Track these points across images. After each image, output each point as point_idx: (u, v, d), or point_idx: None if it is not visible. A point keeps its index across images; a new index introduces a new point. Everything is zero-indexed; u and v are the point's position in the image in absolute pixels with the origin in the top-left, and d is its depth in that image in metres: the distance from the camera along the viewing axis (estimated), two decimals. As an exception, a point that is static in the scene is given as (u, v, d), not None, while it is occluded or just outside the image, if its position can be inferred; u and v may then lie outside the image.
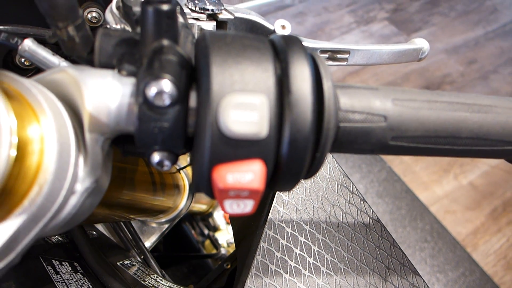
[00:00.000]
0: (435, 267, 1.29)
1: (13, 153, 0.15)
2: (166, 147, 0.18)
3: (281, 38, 0.18)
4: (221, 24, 0.29)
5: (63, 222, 0.18)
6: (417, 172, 1.50)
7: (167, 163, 0.18)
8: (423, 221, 1.37)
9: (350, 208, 0.35)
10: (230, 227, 0.87)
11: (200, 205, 0.68)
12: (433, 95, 0.21)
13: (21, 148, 0.15)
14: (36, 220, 0.16)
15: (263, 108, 0.16)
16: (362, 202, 0.36)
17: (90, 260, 0.34)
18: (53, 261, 0.31)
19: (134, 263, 0.40)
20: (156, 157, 0.18)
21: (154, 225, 0.51)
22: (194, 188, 0.18)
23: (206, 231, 0.86)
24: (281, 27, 0.29)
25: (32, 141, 0.16)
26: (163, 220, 0.50)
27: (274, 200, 0.33)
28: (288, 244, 0.31)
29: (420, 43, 0.35)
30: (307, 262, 0.31)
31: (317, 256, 0.31)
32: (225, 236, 0.87)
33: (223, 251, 0.80)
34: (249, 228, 0.34)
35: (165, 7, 0.17)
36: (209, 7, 0.28)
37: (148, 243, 0.50)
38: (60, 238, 0.36)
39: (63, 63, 0.24)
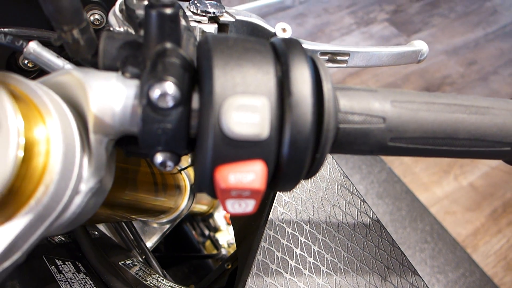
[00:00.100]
0: (435, 268, 1.29)
1: (21, 154, 0.15)
2: (169, 148, 0.18)
3: (281, 41, 0.19)
4: (222, 27, 0.30)
5: (68, 221, 0.19)
6: (417, 173, 1.50)
7: (170, 163, 0.19)
8: (423, 222, 1.38)
9: (350, 209, 0.35)
10: (230, 227, 0.88)
11: (201, 206, 0.68)
12: (431, 97, 0.21)
13: (28, 149, 0.16)
14: (42, 219, 0.17)
15: (264, 110, 0.16)
16: (361, 202, 0.36)
17: (92, 260, 0.34)
18: (56, 260, 0.31)
19: (136, 263, 0.40)
20: (159, 157, 0.18)
21: (155, 225, 0.51)
22: (196, 188, 0.19)
23: (206, 232, 0.86)
24: (282, 30, 0.29)
25: (39, 142, 0.16)
26: (165, 220, 0.51)
27: (275, 201, 0.33)
28: (289, 244, 0.31)
29: (419, 45, 0.35)
30: (307, 261, 0.31)
31: (317, 256, 0.32)
32: (226, 236, 0.87)
33: (223, 251, 0.80)
34: (250, 228, 0.34)
35: (168, 10, 0.17)
36: (211, 10, 0.28)
37: (150, 243, 0.50)
38: (63, 238, 0.36)
39: (67, 65, 0.25)
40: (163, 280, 0.40)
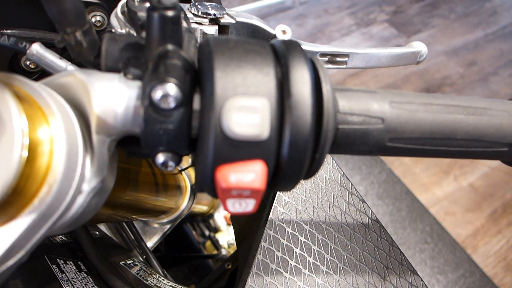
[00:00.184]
0: (435, 268, 1.29)
1: (25, 154, 0.15)
2: (171, 148, 0.18)
3: (281, 43, 0.19)
4: (223, 28, 0.30)
5: (70, 220, 0.19)
6: (417, 173, 1.50)
7: (171, 163, 0.19)
8: (423, 223, 1.38)
9: (349, 209, 0.36)
10: (230, 228, 0.88)
11: (201, 206, 0.69)
12: (429, 98, 0.21)
13: (32, 149, 0.16)
14: (45, 218, 0.17)
15: (265, 110, 0.16)
16: (361, 202, 0.37)
17: (93, 260, 0.34)
18: (58, 260, 0.31)
19: (137, 263, 0.41)
20: (160, 158, 0.19)
21: (156, 225, 0.52)
22: (197, 188, 0.19)
23: (207, 232, 0.86)
24: (282, 32, 0.30)
25: (42, 143, 0.16)
26: (165, 220, 0.51)
27: (275, 201, 0.33)
28: (289, 243, 0.32)
29: (418, 46, 0.35)
30: (307, 261, 0.31)
31: (317, 256, 0.32)
32: (226, 237, 0.87)
33: (223, 252, 0.80)
34: (250, 228, 0.34)
35: (170, 13, 0.18)
36: (211, 11, 0.29)
37: (150, 243, 0.51)
38: (65, 238, 0.36)
39: (70, 66, 0.25)
40: (163, 280, 0.40)
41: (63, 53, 0.27)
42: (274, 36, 0.30)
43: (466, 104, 0.22)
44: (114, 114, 0.18)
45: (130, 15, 0.24)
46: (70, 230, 0.21)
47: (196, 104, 0.18)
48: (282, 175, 0.18)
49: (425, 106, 0.21)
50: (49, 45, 0.27)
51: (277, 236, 0.32)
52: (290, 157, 0.17)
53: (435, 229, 1.36)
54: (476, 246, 1.35)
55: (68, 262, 0.32)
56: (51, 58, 0.25)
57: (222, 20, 0.30)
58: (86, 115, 0.18)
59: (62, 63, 0.25)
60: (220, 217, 0.89)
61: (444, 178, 1.50)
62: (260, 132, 0.16)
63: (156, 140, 0.18)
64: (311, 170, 0.19)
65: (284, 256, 0.31)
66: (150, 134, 0.18)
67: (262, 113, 0.16)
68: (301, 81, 0.17)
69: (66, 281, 0.29)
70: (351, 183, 0.37)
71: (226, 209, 0.18)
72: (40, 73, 0.38)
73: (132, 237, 0.46)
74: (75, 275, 0.31)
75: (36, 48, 0.24)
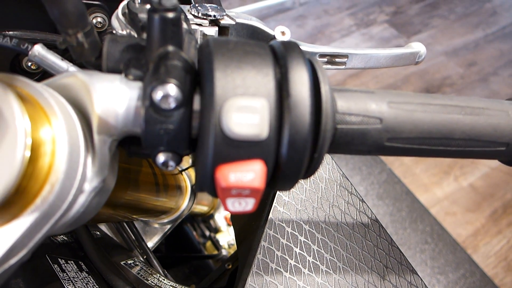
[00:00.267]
0: (436, 268, 1.29)
1: (28, 154, 0.16)
2: (171, 148, 0.19)
3: (280, 44, 0.19)
4: (223, 30, 0.30)
5: (72, 220, 0.19)
6: (417, 174, 1.51)
7: (171, 163, 0.19)
8: (424, 223, 1.38)
9: (349, 208, 0.36)
10: (231, 228, 0.88)
11: (202, 207, 0.69)
12: (427, 98, 0.22)
13: (35, 149, 0.16)
14: (47, 217, 0.17)
15: (264, 111, 0.17)
16: (360, 202, 0.37)
17: (94, 259, 0.35)
18: (59, 259, 0.31)
19: (137, 263, 0.41)
20: (161, 157, 0.19)
21: (156, 225, 0.52)
22: (198, 188, 0.19)
23: (207, 233, 0.86)
24: (281, 33, 0.30)
25: (45, 143, 0.17)
26: (166, 220, 0.51)
27: (275, 201, 0.34)
28: (288, 243, 0.32)
29: (417, 47, 0.36)
30: (307, 261, 0.32)
31: (316, 255, 0.32)
32: (226, 237, 0.87)
33: (224, 252, 0.80)
34: (250, 228, 0.34)
35: (170, 15, 0.18)
36: (211, 13, 0.29)
37: (151, 243, 0.51)
38: (66, 238, 0.37)
39: (71, 67, 0.25)
40: (164, 279, 0.40)
41: (65, 54, 0.28)
42: (274, 37, 0.31)
43: (464, 104, 0.22)
44: (115, 114, 0.18)
45: (131, 17, 0.25)
46: (72, 229, 0.21)
47: (196, 104, 0.18)
48: (281, 175, 0.18)
49: (423, 106, 0.21)
50: (50, 46, 0.27)
51: (277, 235, 0.32)
52: (289, 156, 0.17)
53: (436, 230, 1.36)
54: (477, 246, 1.35)
55: (69, 261, 0.32)
56: (53, 59, 0.25)
57: (222, 22, 0.30)
58: (88, 116, 0.19)
59: (63, 64, 0.25)
60: (221, 218, 0.89)
61: (445, 178, 1.50)
62: (259, 132, 0.16)
63: (157, 140, 0.18)
64: (310, 169, 0.20)
65: (284, 256, 0.31)
66: (150, 134, 0.18)
67: (261, 113, 0.17)
68: (299, 81, 0.17)
69: (68, 280, 0.29)
70: (351, 183, 0.37)
71: (226, 208, 0.18)
72: (41, 74, 0.38)
73: (133, 237, 0.46)
74: (76, 274, 0.31)
75: (38, 49, 0.25)
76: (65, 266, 0.31)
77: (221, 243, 0.85)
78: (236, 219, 0.39)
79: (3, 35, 0.26)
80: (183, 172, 0.52)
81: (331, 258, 0.32)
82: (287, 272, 0.30)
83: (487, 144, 0.22)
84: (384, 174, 1.49)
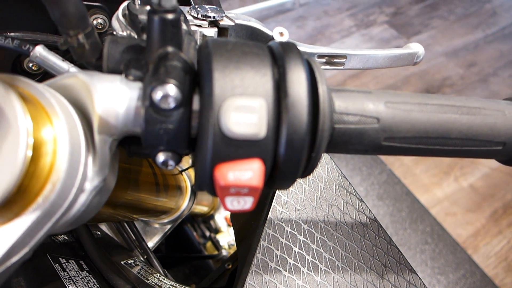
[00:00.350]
0: (436, 269, 1.29)
1: (29, 153, 0.16)
2: (171, 147, 0.19)
3: (278, 45, 0.19)
4: (222, 31, 0.31)
5: (73, 219, 0.19)
6: (418, 174, 1.51)
7: (171, 162, 0.19)
8: (424, 223, 1.38)
9: (347, 208, 0.36)
10: (231, 229, 0.88)
11: (202, 207, 0.69)
12: (424, 98, 0.22)
13: (36, 149, 0.16)
14: (48, 216, 0.17)
15: (262, 110, 0.17)
16: (359, 202, 0.37)
17: (95, 259, 0.35)
18: (60, 259, 0.32)
19: (138, 263, 0.41)
20: (161, 157, 0.19)
21: (156, 225, 0.52)
22: (197, 186, 0.19)
23: (207, 233, 0.86)
24: (279, 34, 0.30)
25: (46, 142, 0.17)
26: (166, 221, 0.51)
27: (274, 200, 0.34)
28: (288, 242, 0.32)
29: (415, 47, 0.36)
30: (306, 260, 0.32)
31: (315, 254, 0.32)
32: (226, 238, 0.87)
33: (224, 252, 0.80)
34: (249, 228, 0.34)
35: (170, 16, 0.18)
36: (211, 14, 0.29)
37: (151, 243, 0.51)
38: (66, 238, 0.37)
39: (72, 68, 0.25)
40: (164, 279, 0.41)
41: (66, 55, 0.28)
42: (272, 38, 0.31)
43: (460, 104, 0.22)
44: (116, 114, 0.18)
45: (131, 18, 0.25)
46: (73, 228, 0.21)
47: (196, 104, 0.18)
48: (279, 173, 0.18)
49: (419, 106, 0.21)
50: (52, 47, 0.27)
51: (276, 235, 0.32)
52: (287, 155, 0.18)
53: (436, 230, 1.36)
54: (477, 246, 1.35)
55: (70, 261, 0.33)
56: (54, 60, 0.25)
57: (222, 23, 0.30)
58: (89, 116, 0.19)
59: (64, 65, 0.25)
60: (221, 218, 0.89)
61: (445, 178, 1.50)
62: (257, 131, 0.17)
63: (157, 140, 0.18)
64: (307, 168, 0.20)
65: (283, 255, 0.31)
66: (150, 134, 0.18)
67: (260, 113, 0.17)
68: (297, 81, 0.18)
69: (68, 279, 0.30)
70: (350, 183, 0.38)
71: (224, 207, 0.19)
72: (42, 75, 0.38)
73: (133, 237, 0.47)
74: (77, 273, 0.31)
75: (40, 50, 0.25)
76: (66, 265, 0.31)
77: (221, 244, 0.85)
78: (236, 219, 0.39)
79: (5, 37, 0.27)
80: (183, 173, 0.52)
81: (330, 257, 0.33)
82: (286, 271, 0.31)
83: (484, 144, 0.22)
84: (384, 174, 1.49)
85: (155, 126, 0.18)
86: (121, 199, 0.32)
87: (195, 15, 0.29)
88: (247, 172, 0.17)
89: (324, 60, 0.32)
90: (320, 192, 0.36)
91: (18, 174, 0.16)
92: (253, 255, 0.30)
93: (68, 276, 0.30)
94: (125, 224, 0.47)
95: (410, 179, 1.49)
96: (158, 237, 0.51)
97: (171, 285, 0.40)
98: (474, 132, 0.22)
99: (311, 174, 0.37)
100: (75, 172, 0.18)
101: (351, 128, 0.20)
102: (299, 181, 0.36)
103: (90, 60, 0.21)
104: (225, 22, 0.30)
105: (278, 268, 0.31)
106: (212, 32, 0.30)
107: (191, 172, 0.55)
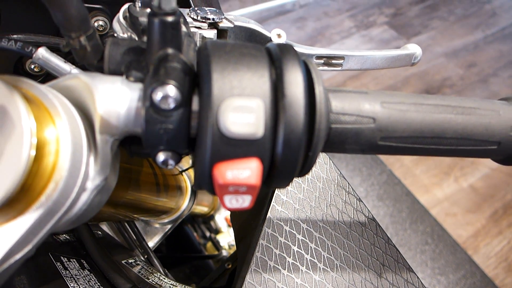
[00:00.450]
0: (436, 269, 1.29)
1: (33, 153, 0.16)
2: (171, 147, 0.19)
3: (276, 46, 0.20)
4: (221, 32, 0.31)
5: (75, 217, 0.20)
6: (418, 175, 1.51)
7: (171, 162, 0.20)
8: (424, 224, 1.38)
9: (346, 207, 0.36)
10: (231, 229, 0.89)
11: (202, 207, 0.69)
12: (419, 98, 0.22)
13: (40, 149, 0.17)
14: (51, 214, 0.18)
15: (259, 110, 0.17)
16: (357, 201, 0.37)
17: (96, 258, 0.35)
18: (62, 258, 0.32)
19: (138, 262, 0.41)
20: (161, 156, 0.20)
21: (157, 225, 0.52)
22: (196, 185, 0.20)
23: (207, 233, 0.87)
24: (277, 35, 0.30)
25: (49, 142, 0.17)
26: (166, 220, 0.52)
27: (273, 200, 0.34)
28: (286, 241, 0.32)
29: (412, 48, 0.36)
30: (305, 258, 0.32)
31: (314, 253, 0.33)
32: (227, 238, 0.88)
33: (224, 252, 0.81)
34: (249, 227, 0.35)
35: (170, 18, 0.19)
36: (210, 16, 0.30)
37: (152, 243, 0.51)
38: (68, 237, 0.37)
39: (74, 70, 0.26)
40: (165, 278, 0.41)
41: (67, 56, 0.28)
42: (270, 40, 0.31)
43: (455, 104, 0.22)
44: (117, 114, 0.19)
45: (131, 20, 0.25)
46: (74, 226, 0.21)
47: (195, 105, 0.19)
48: (277, 172, 0.19)
49: (415, 106, 0.22)
50: (54, 49, 0.27)
51: (275, 234, 0.32)
52: (284, 155, 0.18)
53: (436, 230, 1.36)
54: (477, 247, 1.35)
55: (71, 259, 0.33)
56: (56, 61, 0.26)
57: (221, 25, 0.31)
58: (90, 116, 0.19)
59: (66, 66, 0.26)
60: (221, 219, 0.90)
61: (445, 179, 1.50)
62: (255, 131, 0.17)
63: (157, 140, 0.19)
64: (305, 167, 0.20)
65: (282, 254, 0.32)
66: (151, 134, 0.19)
67: (257, 113, 0.17)
68: (294, 82, 0.18)
69: (70, 278, 0.30)
70: (348, 183, 0.38)
71: (223, 205, 0.19)
72: (44, 76, 0.39)
73: (134, 236, 0.47)
74: (78, 272, 0.32)
75: (42, 52, 0.25)
76: (68, 264, 0.32)
77: (221, 244, 0.85)
78: (235, 218, 0.39)
79: (7, 39, 0.27)
80: (183, 173, 0.53)
81: (329, 256, 0.33)
82: (285, 269, 0.31)
83: (479, 143, 0.23)
84: (384, 175, 1.49)
85: (155, 126, 0.18)
86: (122, 198, 0.33)
87: (195, 17, 0.30)
88: (245, 171, 0.17)
89: (322, 61, 0.32)
90: (319, 192, 0.36)
91: (22, 173, 0.16)
92: (252, 254, 0.31)
93: (70, 274, 0.31)
94: (126, 224, 0.47)
95: (410, 179, 1.49)
96: (159, 237, 0.52)
97: (171, 284, 0.41)
98: (469, 132, 0.22)
99: (310, 174, 0.38)
100: (77, 171, 0.18)
101: (348, 128, 0.20)
102: (298, 180, 0.37)
103: (92, 62, 0.22)
104: (224, 24, 0.31)
105: (277, 266, 0.31)
106: (211, 33, 0.30)
107: (191, 172, 0.55)
